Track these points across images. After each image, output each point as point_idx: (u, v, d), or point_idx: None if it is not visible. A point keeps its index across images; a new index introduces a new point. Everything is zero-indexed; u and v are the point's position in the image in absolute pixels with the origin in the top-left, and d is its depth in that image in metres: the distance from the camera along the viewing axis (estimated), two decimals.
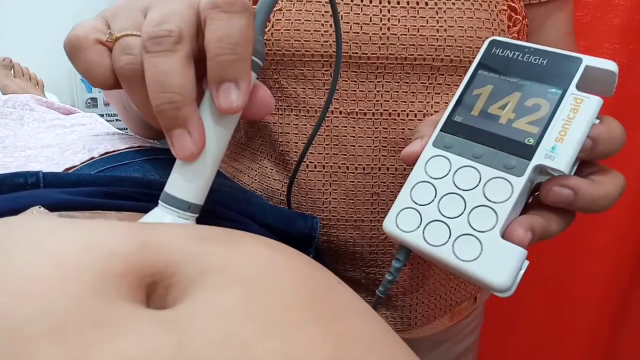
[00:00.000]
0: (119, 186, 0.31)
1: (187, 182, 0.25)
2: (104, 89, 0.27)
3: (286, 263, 0.22)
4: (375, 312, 0.23)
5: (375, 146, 0.42)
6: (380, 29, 0.39)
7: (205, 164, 0.25)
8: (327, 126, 0.42)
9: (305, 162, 0.43)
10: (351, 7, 0.39)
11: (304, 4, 0.39)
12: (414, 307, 0.48)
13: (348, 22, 0.39)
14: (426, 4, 0.39)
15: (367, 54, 0.40)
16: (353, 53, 0.39)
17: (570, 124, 0.28)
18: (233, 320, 0.17)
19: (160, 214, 0.25)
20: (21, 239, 0.19)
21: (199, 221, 0.26)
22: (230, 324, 0.17)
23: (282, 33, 0.39)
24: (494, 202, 0.29)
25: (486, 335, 0.67)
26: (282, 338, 0.17)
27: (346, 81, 0.41)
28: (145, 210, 0.26)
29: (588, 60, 0.29)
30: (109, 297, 0.17)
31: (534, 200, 0.31)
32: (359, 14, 0.39)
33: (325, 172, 0.43)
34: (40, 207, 0.25)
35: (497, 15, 0.41)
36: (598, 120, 0.29)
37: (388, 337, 0.21)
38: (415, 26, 0.39)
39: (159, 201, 0.26)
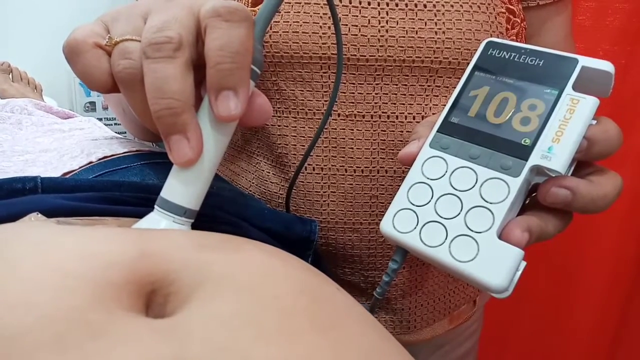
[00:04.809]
0: (117, 191, 0.31)
1: (184, 188, 0.25)
2: (102, 93, 0.27)
3: (285, 270, 0.22)
4: (374, 318, 0.23)
5: (373, 148, 0.42)
6: (379, 31, 0.39)
7: (202, 170, 0.25)
8: (326, 129, 0.42)
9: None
10: (349, 9, 0.39)
11: (302, 6, 0.39)
12: (412, 311, 0.48)
13: (346, 24, 0.39)
14: (424, 6, 0.40)
15: (365, 56, 0.40)
16: (351, 55, 0.39)
17: (567, 125, 0.28)
18: (232, 328, 0.17)
19: (156, 218, 0.26)
20: (19, 247, 0.19)
21: (198, 225, 0.26)
22: (229, 332, 0.17)
23: (280, 35, 0.39)
24: (490, 203, 0.29)
25: (486, 339, 0.67)
26: (281, 346, 0.17)
27: (344, 83, 0.41)
28: (144, 216, 0.26)
29: (584, 61, 0.29)
30: (108, 307, 0.17)
31: (531, 201, 0.31)
32: (357, 16, 0.39)
33: (324, 174, 0.43)
34: (38, 214, 0.25)
35: (496, 17, 0.41)
36: (595, 121, 0.29)
37: (387, 343, 0.21)
38: (413, 28, 0.39)
39: (155, 206, 0.26)
